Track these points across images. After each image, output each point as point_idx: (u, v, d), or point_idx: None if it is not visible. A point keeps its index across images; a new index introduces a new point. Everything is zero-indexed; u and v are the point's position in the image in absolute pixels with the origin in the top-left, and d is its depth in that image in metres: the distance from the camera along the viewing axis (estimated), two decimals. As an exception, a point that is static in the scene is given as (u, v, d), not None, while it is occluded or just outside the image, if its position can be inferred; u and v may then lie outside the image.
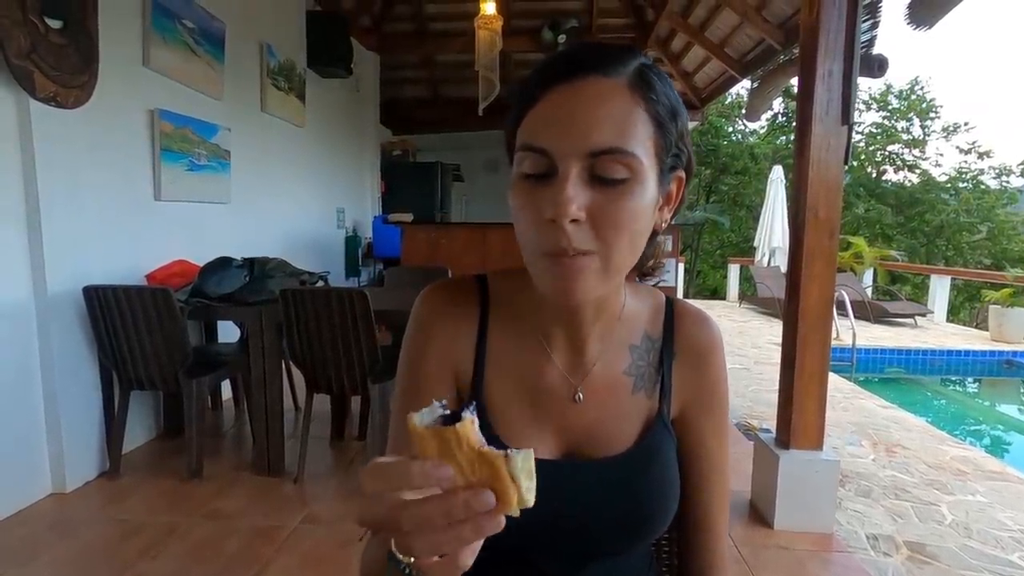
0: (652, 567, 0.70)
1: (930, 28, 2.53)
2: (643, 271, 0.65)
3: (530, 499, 0.35)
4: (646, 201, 0.50)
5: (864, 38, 3.31)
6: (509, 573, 0.61)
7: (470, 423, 0.35)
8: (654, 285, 0.69)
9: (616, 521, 0.59)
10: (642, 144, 0.49)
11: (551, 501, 0.56)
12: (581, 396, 0.60)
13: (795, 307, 2.04)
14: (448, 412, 0.35)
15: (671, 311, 0.65)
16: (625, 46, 0.53)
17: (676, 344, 0.64)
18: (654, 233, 0.57)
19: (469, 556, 0.35)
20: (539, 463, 0.57)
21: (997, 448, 4.29)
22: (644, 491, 0.59)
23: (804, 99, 1.99)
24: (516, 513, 0.35)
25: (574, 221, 0.47)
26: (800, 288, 2.01)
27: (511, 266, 0.61)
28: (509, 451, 0.34)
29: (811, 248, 1.99)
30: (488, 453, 0.34)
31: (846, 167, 2.02)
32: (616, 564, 0.62)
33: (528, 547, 0.60)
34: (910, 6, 2.49)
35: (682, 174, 0.56)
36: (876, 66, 3.04)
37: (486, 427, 0.59)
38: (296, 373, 2.93)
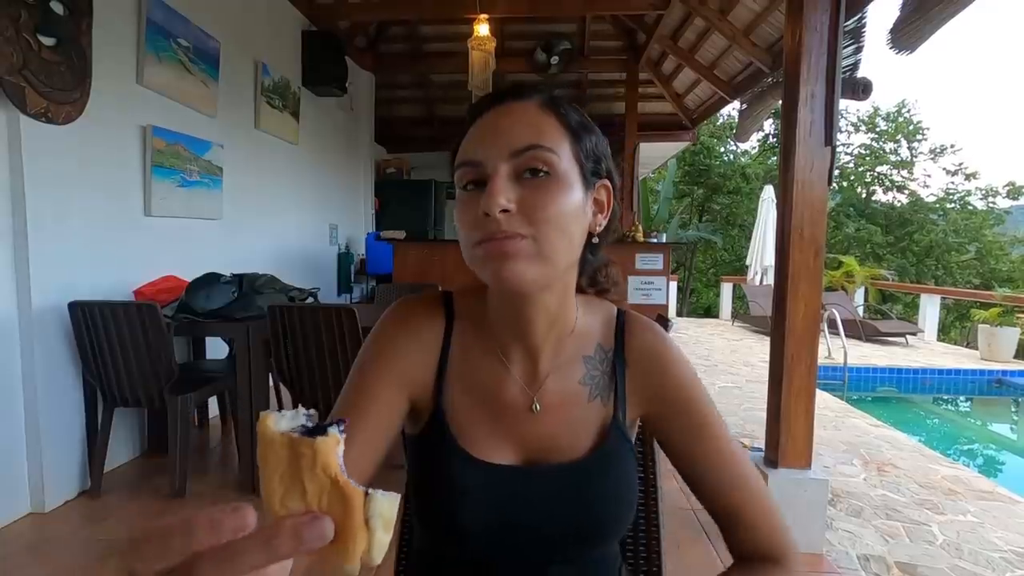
0: (620, 565, 0.71)
1: (912, 52, 2.60)
2: (599, 288, 0.70)
3: (377, 557, 0.28)
4: (572, 197, 0.56)
5: (848, 62, 3.40)
6: None
7: (334, 442, 0.29)
8: (611, 299, 0.72)
9: (569, 526, 0.61)
10: (558, 144, 0.56)
11: (508, 506, 0.60)
12: (538, 407, 0.63)
13: (782, 325, 2.05)
14: (312, 424, 0.29)
15: (622, 321, 0.68)
16: (540, 84, 0.61)
17: (627, 352, 0.66)
18: (590, 237, 0.61)
19: None
20: (498, 468, 0.61)
21: (988, 467, 4.29)
22: (597, 496, 0.62)
23: (788, 121, 2.02)
24: (352, 572, 0.28)
25: (505, 211, 0.52)
26: (787, 306, 2.02)
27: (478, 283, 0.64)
28: (371, 490, 0.29)
29: (797, 267, 2.00)
30: (345, 485, 0.28)
31: (831, 187, 2.05)
32: (580, 569, 0.64)
33: (488, 554, 0.61)
34: (892, 31, 2.56)
35: (608, 183, 0.62)
36: (861, 89, 3.11)
37: (448, 437, 0.62)
38: (284, 391, 2.90)
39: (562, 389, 0.64)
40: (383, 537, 0.28)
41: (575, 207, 0.56)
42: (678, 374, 0.65)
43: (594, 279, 0.69)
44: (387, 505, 0.29)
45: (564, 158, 0.55)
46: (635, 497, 0.65)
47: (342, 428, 0.30)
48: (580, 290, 0.67)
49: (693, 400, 0.65)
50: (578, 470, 0.62)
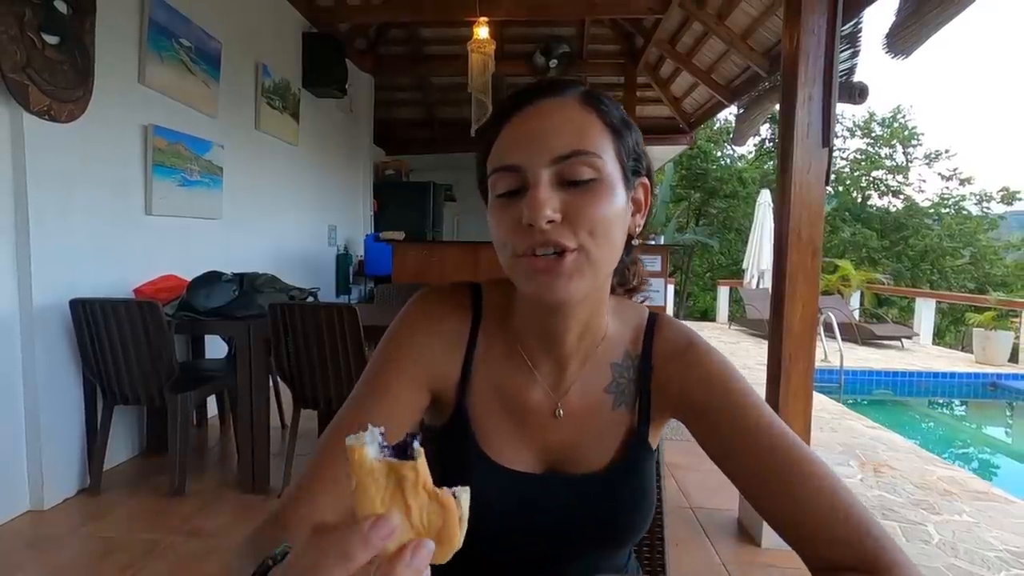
0: (630, 554, 0.72)
1: (907, 57, 2.63)
2: (628, 286, 0.68)
3: (461, 543, 0.31)
4: (616, 201, 0.53)
5: (845, 66, 3.43)
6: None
7: (423, 456, 0.31)
8: (641, 302, 0.70)
9: (589, 535, 0.60)
10: (602, 146, 0.52)
11: (527, 513, 0.59)
12: (561, 412, 0.61)
13: (779, 325, 2.06)
14: (389, 443, 0.31)
15: (652, 326, 0.65)
16: (571, 79, 0.57)
17: (654, 356, 0.63)
18: (629, 238, 0.59)
19: None
20: (520, 476, 0.60)
21: (983, 469, 4.32)
22: (617, 507, 0.61)
23: (786, 123, 2.05)
24: (446, 560, 0.31)
25: (550, 222, 0.49)
26: (784, 306, 2.04)
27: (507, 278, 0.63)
28: (455, 490, 0.32)
29: (794, 267, 2.02)
30: (442, 496, 0.31)
31: (827, 188, 2.07)
32: (596, 565, 0.63)
33: (505, 554, 0.61)
34: (888, 35, 2.59)
35: (646, 180, 0.59)
36: (857, 93, 3.13)
37: (469, 439, 0.60)
38: (283, 391, 2.90)
39: (587, 396, 0.62)
40: (465, 527, 0.32)
41: (619, 212, 0.53)
42: (704, 371, 0.60)
43: (623, 277, 0.68)
44: (467, 500, 0.32)
45: (608, 160, 0.52)
46: (653, 504, 0.63)
47: (418, 439, 0.31)
48: (611, 290, 0.64)
49: (723, 394, 0.59)
50: (599, 482, 0.60)
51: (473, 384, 0.62)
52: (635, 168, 0.57)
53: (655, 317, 0.66)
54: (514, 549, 0.60)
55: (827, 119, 1.98)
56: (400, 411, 0.58)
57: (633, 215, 0.58)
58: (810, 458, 0.54)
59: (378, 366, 0.60)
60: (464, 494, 0.32)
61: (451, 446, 0.61)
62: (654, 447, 0.64)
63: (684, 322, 0.68)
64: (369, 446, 0.30)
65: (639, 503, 0.61)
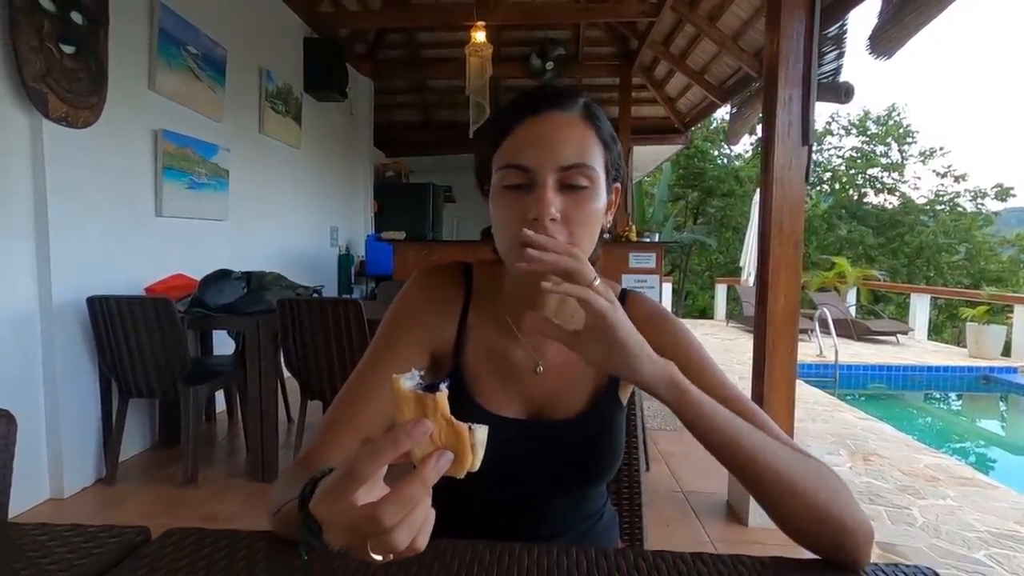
0: (606, 499, 0.82)
1: (889, 58, 2.73)
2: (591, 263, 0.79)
3: (477, 466, 0.40)
4: (601, 204, 0.65)
5: (831, 67, 3.53)
6: (489, 513, 0.73)
7: (445, 395, 0.40)
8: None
9: (565, 472, 0.71)
10: (596, 159, 0.64)
11: (514, 454, 0.69)
12: (541, 368, 0.72)
13: (763, 315, 2.16)
14: (424, 382, 0.41)
15: (623, 298, 0.76)
16: (572, 88, 0.69)
17: None
18: (601, 231, 0.70)
19: (425, 537, 0.39)
20: (508, 421, 0.72)
21: (978, 461, 4.38)
22: (590, 449, 0.71)
23: (768, 123, 2.14)
24: (461, 476, 0.40)
25: (552, 220, 0.61)
26: (768, 297, 2.13)
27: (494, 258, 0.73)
28: (472, 425, 0.40)
29: (777, 258, 2.12)
30: (457, 424, 0.39)
31: (808, 184, 2.17)
32: (575, 501, 0.74)
33: (494, 492, 0.71)
34: (870, 38, 2.69)
35: (619, 185, 0.72)
36: (843, 93, 3.23)
37: (465, 392, 0.71)
38: (290, 388, 2.99)
39: (563, 354, 0.70)
40: (481, 454, 0.41)
41: (601, 212, 0.65)
42: (671, 337, 0.69)
43: (592, 259, 0.78)
44: (482, 434, 0.41)
45: (599, 171, 0.64)
46: (622, 447, 0.73)
47: (447, 384, 0.41)
48: None
49: (693, 360, 0.67)
50: (573, 426, 0.70)
51: (467, 346, 0.72)
52: (615, 176, 0.69)
53: (627, 292, 0.77)
54: (506, 484, 0.70)
55: (806, 119, 2.08)
56: (404, 367, 0.68)
57: (607, 212, 0.69)
58: (770, 423, 0.63)
59: (386, 331, 0.72)
60: (480, 429, 0.40)
61: (450, 399, 0.71)
62: (624, 402, 0.74)
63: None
64: (406, 380, 0.41)
65: (606, 447, 0.71)
